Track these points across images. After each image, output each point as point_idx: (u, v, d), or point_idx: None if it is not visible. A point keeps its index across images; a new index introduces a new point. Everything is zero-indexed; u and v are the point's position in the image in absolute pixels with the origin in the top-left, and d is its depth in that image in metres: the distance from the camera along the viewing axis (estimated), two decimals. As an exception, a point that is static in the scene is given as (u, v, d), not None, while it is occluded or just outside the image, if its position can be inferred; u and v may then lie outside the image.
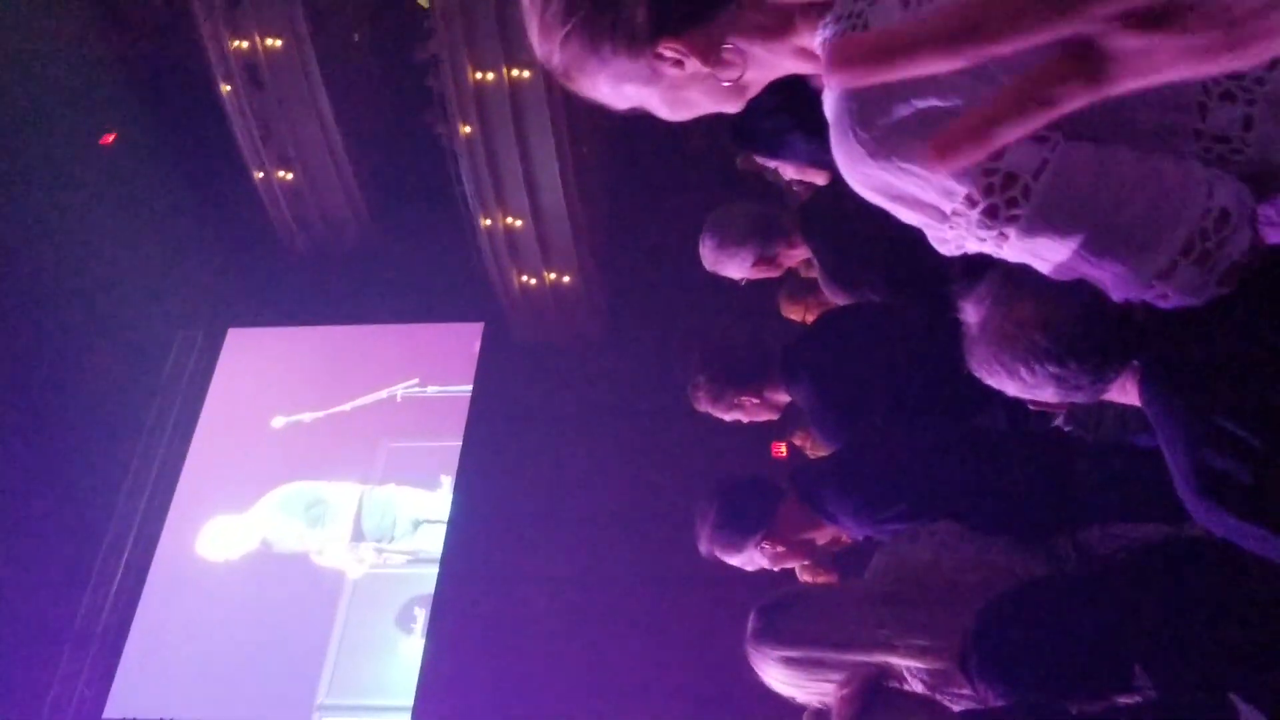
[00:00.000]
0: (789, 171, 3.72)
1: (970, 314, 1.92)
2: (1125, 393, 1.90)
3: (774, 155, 3.59)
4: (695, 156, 9.08)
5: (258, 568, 9.41)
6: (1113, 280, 1.33)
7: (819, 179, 3.50)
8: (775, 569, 2.90)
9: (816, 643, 2.31)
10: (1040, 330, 1.82)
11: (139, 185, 9.44)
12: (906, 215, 1.32)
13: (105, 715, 8.68)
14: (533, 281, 9.33)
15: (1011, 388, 1.91)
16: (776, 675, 2.37)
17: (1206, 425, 1.66)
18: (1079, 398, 1.91)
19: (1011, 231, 1.26)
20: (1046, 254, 1.31)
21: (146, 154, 9.50)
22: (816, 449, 4.39)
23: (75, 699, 8.71)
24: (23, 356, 9.03)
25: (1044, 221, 1.25)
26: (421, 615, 8.99)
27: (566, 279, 9.32)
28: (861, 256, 3.22)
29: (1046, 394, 1.90)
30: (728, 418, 3.38)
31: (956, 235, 1.29)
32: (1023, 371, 1.86)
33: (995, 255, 1.33)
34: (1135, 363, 1.84)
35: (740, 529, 2.81)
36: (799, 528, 2.80)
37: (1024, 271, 1.86)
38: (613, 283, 9.77)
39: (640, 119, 1.43)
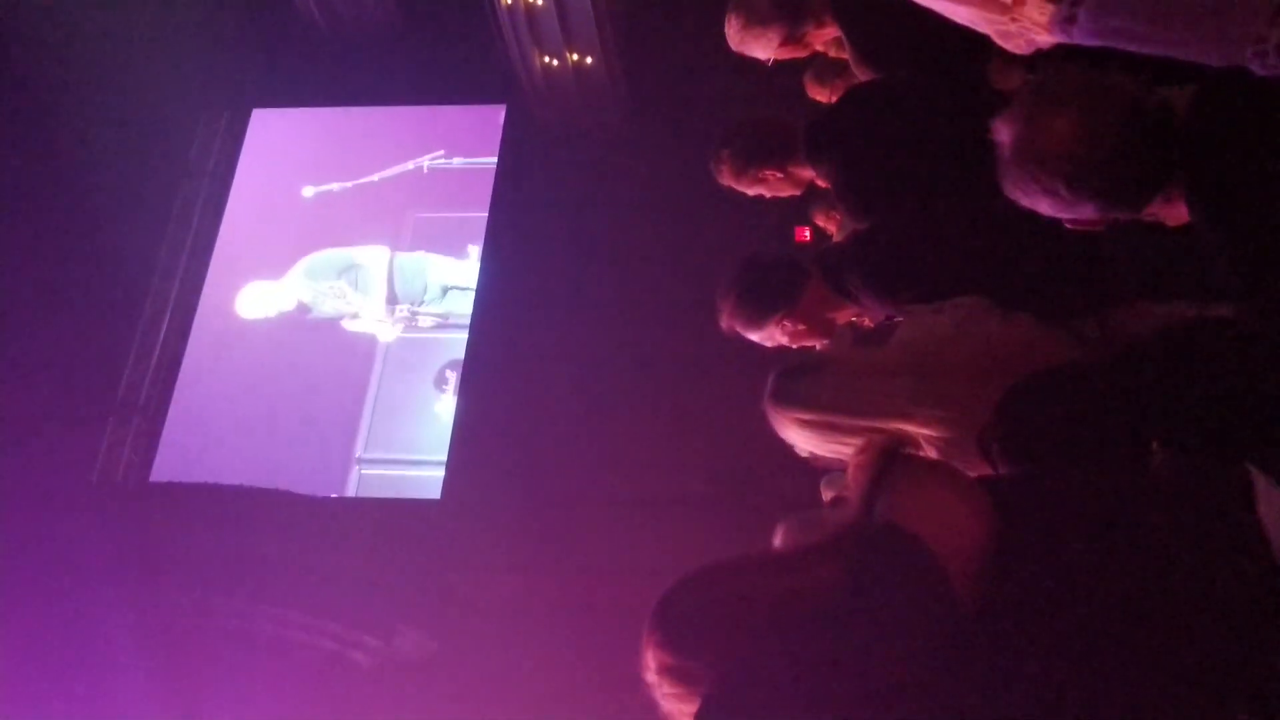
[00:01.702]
0: None
1: (1003, 134, 1.84)
2: (1170, 206, 1.84)
3: None
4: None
5: (293, 334, 9.66)
6: (1213, 44, 1.25)
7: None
8: (794, 346, 2.93)
9: (831, 407, 2.35)
10: (1077, 142, 1.75)
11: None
12: (966, 14, 1.25)
13: (152, 479, 9.05)
14: (554, 62, 9.09)
15: (1047, 206, 1.86)
16: (794, 435, 2.43)
17: (1263, 234, 1.62)
18: (1121, 213, 1.85)
19: (1079, 12, 1.19)
20: (1123, 31, 1.23)
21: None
22: (840, 231, 4.37)
23: (122, 466, 9.06)
24: (52, 145, 9.00)
25: None
26: (453, 377, 9.26)
27: (589, 60, 9.08)
28: (894, 35, 3.11)
29: (1086, 211, 1.84)
30: (751, 192, 3.36)
31: (1020, 27, 1.22)
32: (1062, 188, 1.79)
33: (1066, 41, 1.26)
34: (1180, 174, 1.77)
35: (763, 304, 2.83)
36: (821, 306, 2.83)
37: (1058, 83, 1.78)
38: (636, 64, 9.51)
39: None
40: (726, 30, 3.42)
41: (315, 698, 7.84)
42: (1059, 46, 1.29)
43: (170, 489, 8.72)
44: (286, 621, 8.01)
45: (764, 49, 3.39)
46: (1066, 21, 1.24)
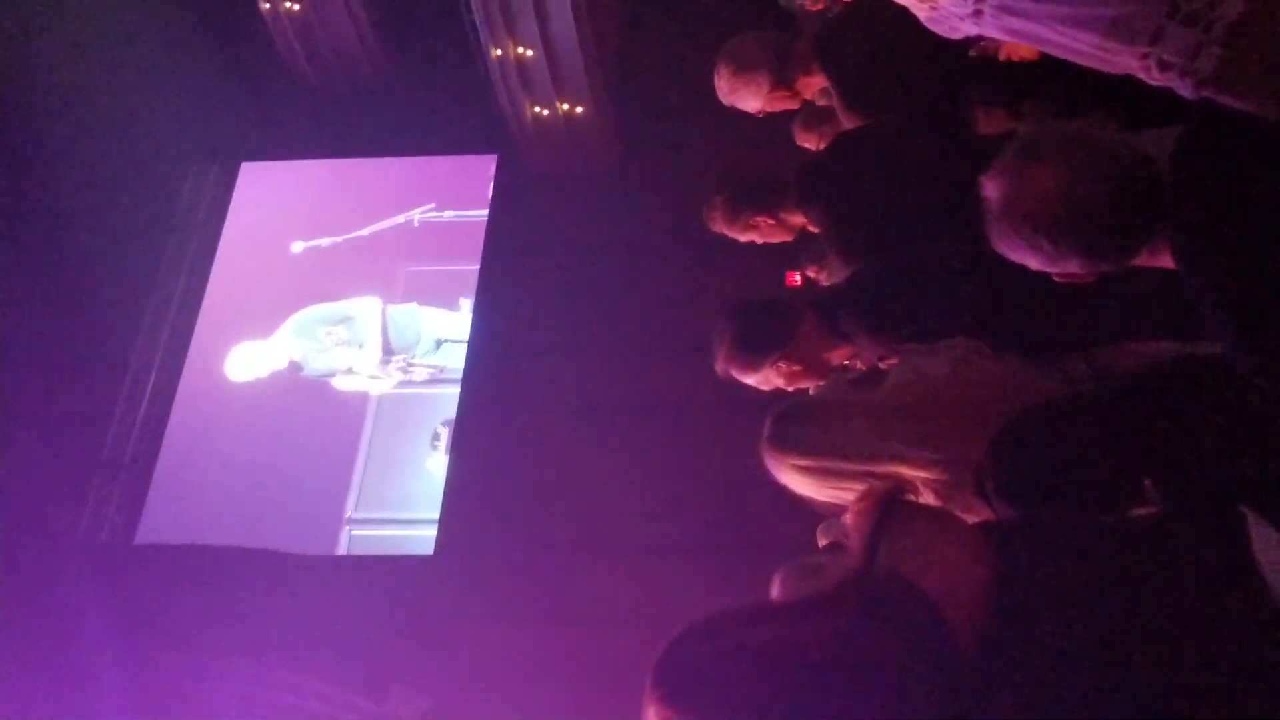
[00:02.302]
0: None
1: (989, 189, 1.87)
2: (1156, 258, 1.86)
3: None
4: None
5: (282, 391, 9.61)
6: (1103, 54, 1.28)
7: None
8: (790, 389, 2.93)
9: (828, 452, 2.35)
10: (1062, 200, 1.78)
11: (144, 20, 9.21)
12: None
13: (137, 541, 8.96)
14: (545, 112, 9.17)
15: (1035, 261, 1.88)
16: (791, 480, 2.42)
17: (1251, 284, 1.63)
18: (1106, 267, 1.87)
19: (985, 8, 1.23)
20: (1023, 32, 1.27)
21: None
22: (830, 279, 4.39)
23: (106, 526, 8.98)
24: (41, 198, 9.00)
25: None
26: (445, 433, 9.21)
27: (579, 109, 9.16)
28: (879, 82, 3.15)
29: (1072, 265, 1.86)
30: (743, 238, 3.38)
31: (942, 14, 1.27)
32: (1045, 245, 1.82)
33: (979, 31, 1.31)
34: (1166, 227, 1.79)
35: (758, 347, 2.84)
36: (816, 348, 2.83)
37: (1041, 140, 1.82)
38: (626, 114, 9.59)
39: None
40: (716, 82, 3.46)
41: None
42: (1037, 66, 1.35)
43: (157, 550, 8.64)
44: (276, 684, 7.91)
45: (754, 97, 3.43)
46: (975, 15, 1.28)
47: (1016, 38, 1.31)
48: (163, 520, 9.00)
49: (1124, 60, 1.30)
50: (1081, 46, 1.31)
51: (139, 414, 9.32)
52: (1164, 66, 1.28)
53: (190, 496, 9.05)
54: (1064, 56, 1.33)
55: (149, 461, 9.24)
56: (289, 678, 7.86)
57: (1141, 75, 1.32)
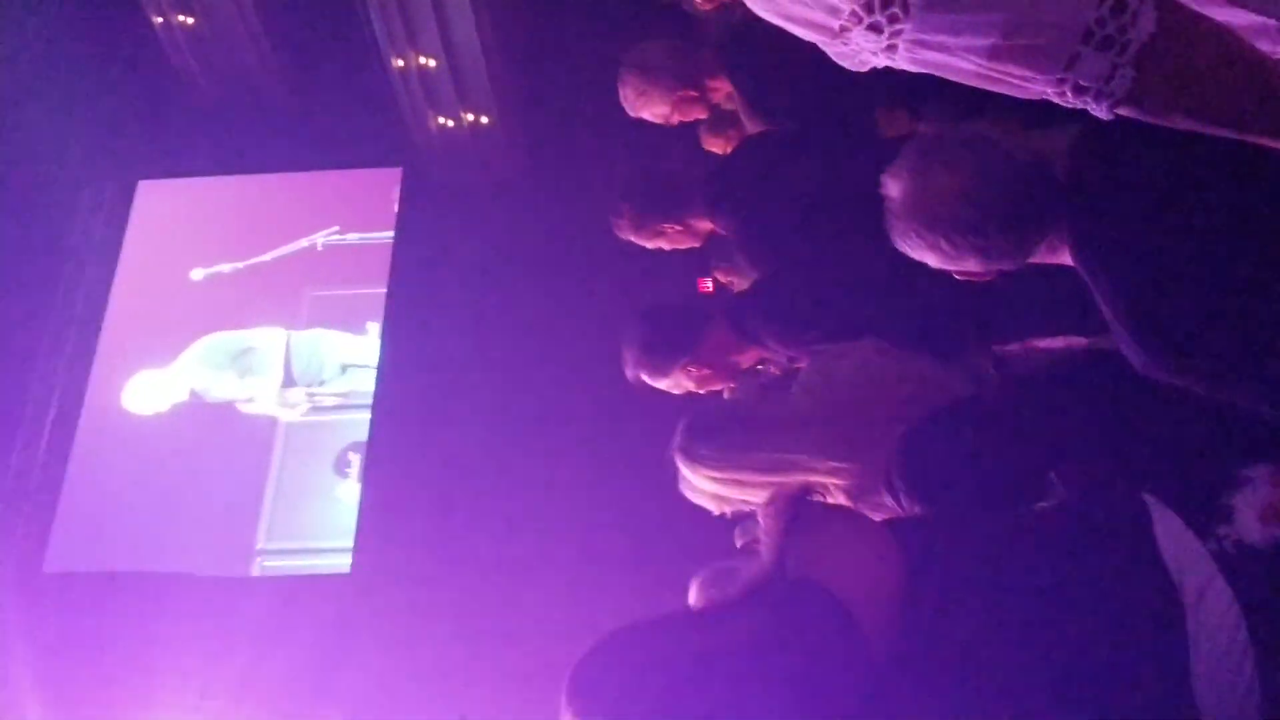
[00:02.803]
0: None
1: (890, 188, 1.90)
2: (1054, 255, 1.90)
3: None
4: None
5: (188, 419, 9.33)
6: (1017, 81, 1.30)
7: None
8: (701, 392, 2.94)
9: (739, 465, 2.36)
10: (959, 201, 1.82)
11: (30, 33, 8.91)
12: (803, 33, 1.30)
13: (45, 570, 8.68)
14: (450, 123, 9.08)
15: (934, 260, 1.92)
16: (704, 491, 2.42)
17: (1143, 280, 1.67)
18: (1004, 266, 1.91)
19: (899, 43, 1.24)
20: (939, 64, 1.29)
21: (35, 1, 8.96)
22: (741, 283, 4.41)
23: (15, 555, 8.67)
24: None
25: (927, 31, 1.23)
26: (356, 459, 9.02)
27: (485, 120, 9.10)
28: (780, 85, 3.18)
29: (970, 264, 1.90)
30: (651, 245, 3.38)
31: (853, 49, 1.27)
32: (943, 244, 1.86)
33: (895, 66, 1.32)
34: (1061, 225, 1.83)
35: (667, 352, 2.84)
36: (725, 351, 2.85)
37: (940, 143, 1.86)
38: (533, 124, 9.55)
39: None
40: (622, 91, 3.44)
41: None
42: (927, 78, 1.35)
43: (66, 579, 8.38)
44: (195, 710, 7.72)
45: (661, 102, 3.42)
46: (889, 50, 1.29)
47: (930, 69, 1.32)
48: (70, 551, 8.74)
49: (1037, 88, 1.32)
50: (998, 76, 1.33)
51: (41, 444, 9.01)
52: (1079, 91, 1.30)
53: (98, 526, 8.79)
54: (977, 85, 1.34)
55: (54, 491, 8.94)
56: (204, 701, 7.69)
57: (1055, 100, 1.34)
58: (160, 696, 7.70)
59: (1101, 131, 1.42)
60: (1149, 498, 1.54)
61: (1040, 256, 1.91)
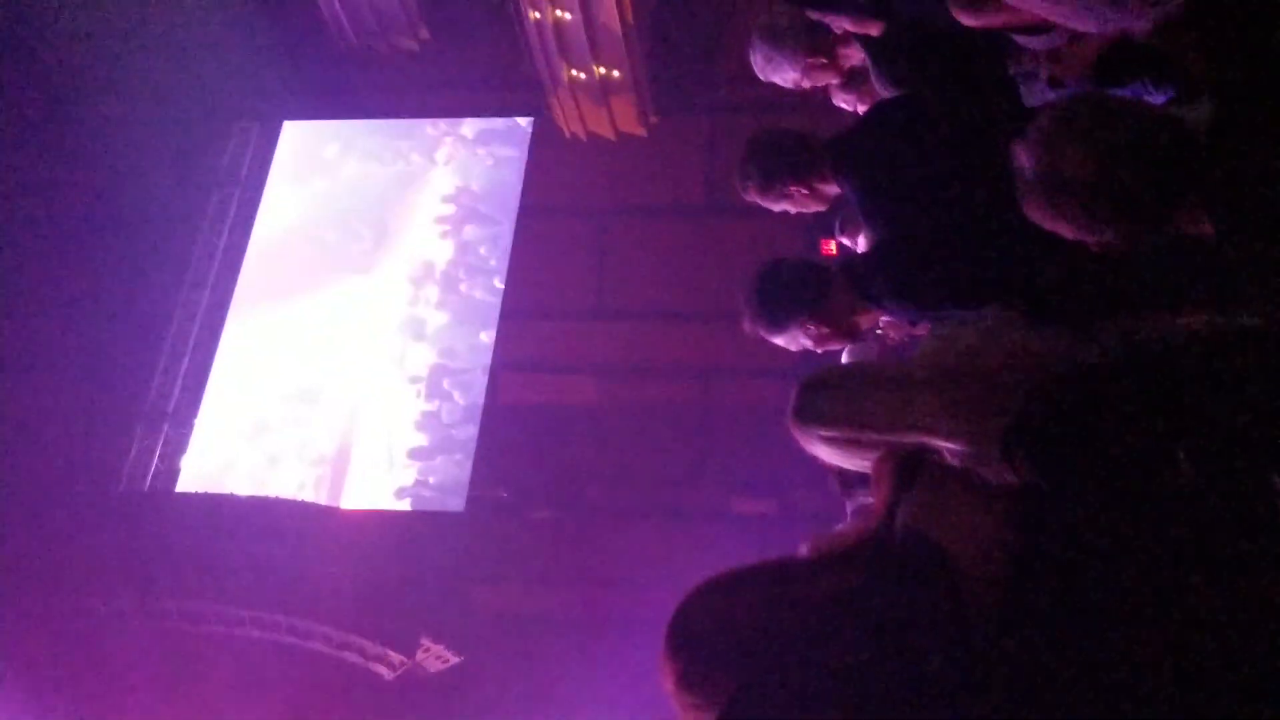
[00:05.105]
0: (844, 24, 3.52)
1: (1023, 158, 1.85)
2: (1196, 223, 1.84)
3: (826, 10, 3.39)
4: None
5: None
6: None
7: (873, 30, 3.30)
8: (818, 350, 2.92)
9: (855, 423, 2.34)
10: (1095, 169, 1.76)
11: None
12: None
13: (178, 489, 9.15)
14: (582, 76, 9.12)
15: (1069, 230, 1.87)
16: (819, 450, 2.42)
17: None
18: (1141, 235, 1.86)
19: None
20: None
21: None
22: (864, 247, 4.36)
23: (150, 473, 9.13)
24: (84, 153, 9.09)
25: None
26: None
27: (616, 74, 9.11)
28: (913, 53, 3.12)
29: (1107, 235, 1.85)
30: (776, 208, 3.35)
31: None
32: (1081, 216, 1.81)
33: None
34: (1201, 195, 1.77)
35: (787, 307, 2.82)
36: (845, 310, 2.81)
37: (1073, 111, 1.80)
38: (663, 79, 9.53)
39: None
40: (752, 57, 3.41)
41: (340, 712, 7.86)
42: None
43: (196, 499, 8.79)
44: (311, 635, 8.04)
45: (791, 68, 3.39)
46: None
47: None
48: (203, 470, 9.21)
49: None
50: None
51: (181, 367, 9.46)
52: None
53: (232, 449, 9.31)
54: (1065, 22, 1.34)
55: (190, 412, 9.40)
56: (325, 628, 7.98)
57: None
58: (272, 622, 8.05)
59: (1244, 103, 1.38)
60: (1278, 480, 1.50)
61: (1179, 223, 1.86)
